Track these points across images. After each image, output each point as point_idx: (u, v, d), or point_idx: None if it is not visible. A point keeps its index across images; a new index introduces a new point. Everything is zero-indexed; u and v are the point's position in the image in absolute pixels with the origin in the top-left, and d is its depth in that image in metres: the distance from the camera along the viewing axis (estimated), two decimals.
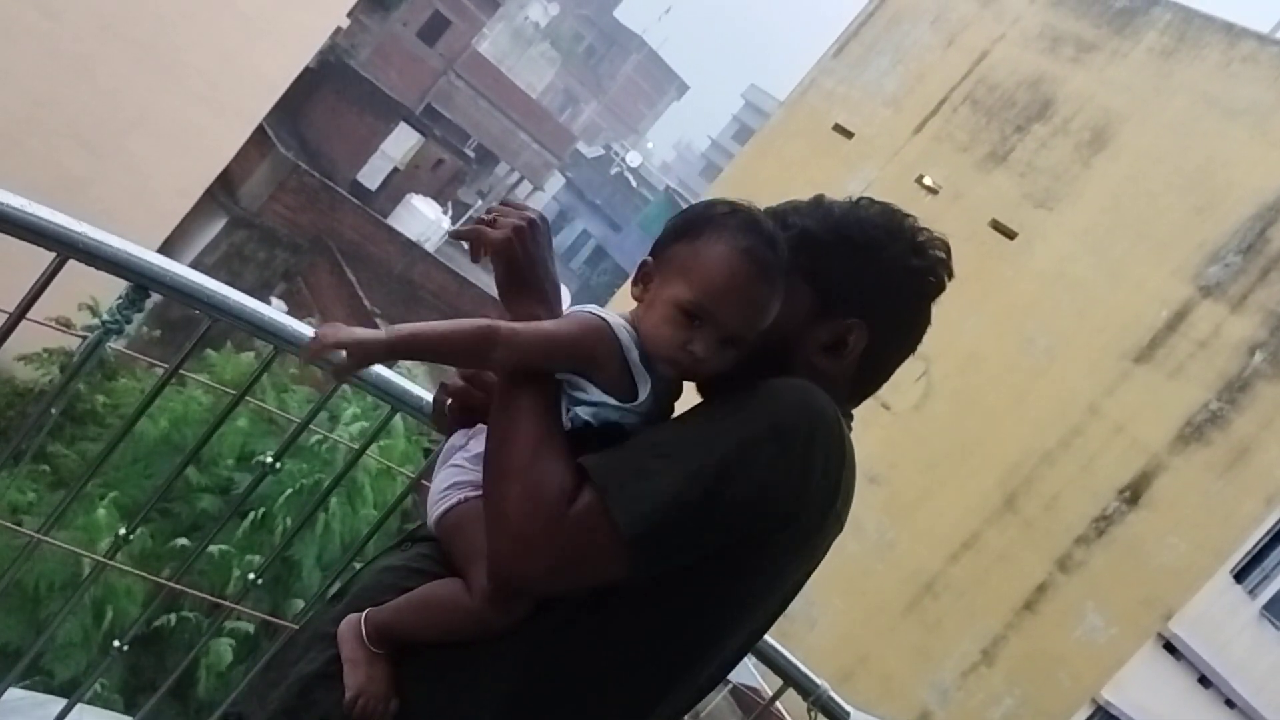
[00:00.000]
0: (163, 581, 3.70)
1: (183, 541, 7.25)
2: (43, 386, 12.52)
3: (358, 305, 17.38)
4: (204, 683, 7.53)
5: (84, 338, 1.56)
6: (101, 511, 7.12)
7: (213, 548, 7.08)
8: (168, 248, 17.19)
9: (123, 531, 1.89)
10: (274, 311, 1.70)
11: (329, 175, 21.29)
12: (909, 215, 1.49)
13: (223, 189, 17.78)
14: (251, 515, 7.04)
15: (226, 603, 3.76)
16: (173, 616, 7.02)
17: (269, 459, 1.94)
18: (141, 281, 1.55)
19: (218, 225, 18.46)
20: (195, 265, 15.10)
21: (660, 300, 1.27)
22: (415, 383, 1.69)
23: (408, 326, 1.27)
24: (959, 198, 16.75)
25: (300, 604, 6.53)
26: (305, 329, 1.74)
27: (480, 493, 1.28)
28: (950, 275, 1.49)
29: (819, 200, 1.50)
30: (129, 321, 1.56)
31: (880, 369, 1.49)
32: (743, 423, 1.26)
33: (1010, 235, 15.70)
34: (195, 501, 7.90)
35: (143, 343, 14.76)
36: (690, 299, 1.25)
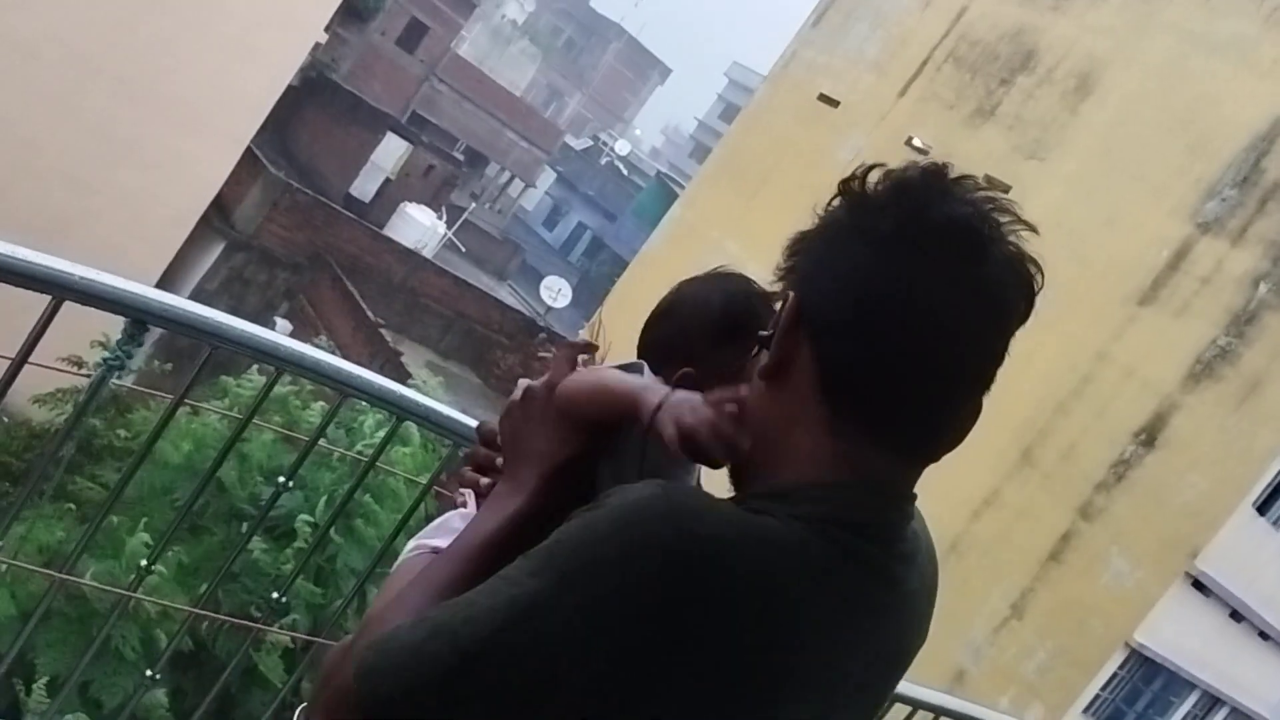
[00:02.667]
0: (189, 610, 3.76)
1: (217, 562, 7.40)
2: (58, 426, 12.61)
3: (362, 318, 17.45)
4: (253, 697, 7.63)
5: (89, 376, 1.60)
6: (136, 541, 7.21)
7: (261, 561, 7.18)
8: (168, 278, 17.28)
9: (144, 563, 1.93)
10: (272, 334, 1.74)
11: (321, 191, 21.34)
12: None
13: (217, 214, 17.85)
14: (299, 525, 7.12)
15: (256, 624, 3.81)
16: (217, 637, 7.12)
17: (282, 479, 1.98)
18: (138, 316, 1.59)
19: (216, 251, 18.54)
20: (196, 292, 15.23)
21: None
22: (430, 395, 1.72)
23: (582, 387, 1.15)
24: (950, 156, 16.46)
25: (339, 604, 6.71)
26: (302, 348, 1.77)
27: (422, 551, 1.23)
28: (948, 198, 1.01)
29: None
30: (130, 357, 1.60)
31: (851, 345, 0.99)
32: (540, 565, 0.93)
33: (1004, 189, 15.58)
34: (230, 522, 8.00)
35: (155, 376, 14.85)
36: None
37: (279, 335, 1.76)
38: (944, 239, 0.99)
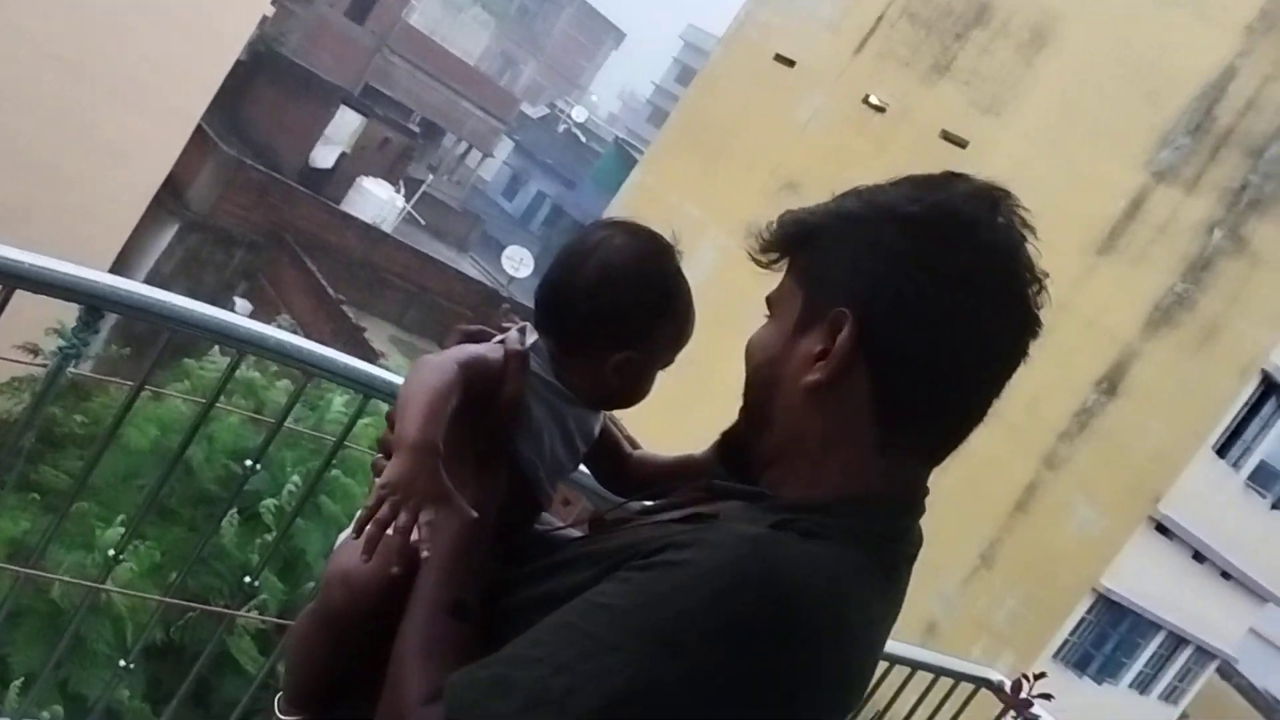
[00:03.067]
0: (161, 600, 3.72)
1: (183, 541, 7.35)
2: (16, 416, 12.44)
3: (323, 296, 17.27)
4: (228, 682, 7.61)
5: (45, 366, 1.57)
6: (111, 534, 7.13)
7: (229, 545, 7.13)
8: (123, 261, 17.00)
9: (112, 553, 1.90)
10: (231, 315, 1.71)
11: (276, 168, 21.04)
12: (954, 173, 1.10)
13: (171, 195, 17.54)
14: (263, 510, 7.05)
15: (229, 611, 3.79)
16: (188, 626, 7.06)
17: (249, 463, 1.95)
18: (92, 303, 1.56)
19: (170, 232, 18.24)
20: (153, 274, 14.94)
21: (649, 376, 1.28)
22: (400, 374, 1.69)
23: (405, 421, 1.11)
24: (907, 113, 16.75)
25: (312, 586, 6.66)
26: (263, 329, 1.75)
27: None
28: (996, 222, 1.05)
29: (845, 192, 1.14)
30: (86, 344, 1.56)
31: (916, 383, 1.03)
32: (637, 628, 0.92)
33: (962, 144, 15.74)
34: (197, 505, 7.93)
35: (114, 361, 14.64)
36: (670, 361, 1.29)
37: (238, 317, 1.73)
38: (1007, 275, 1.04)
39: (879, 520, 1.03)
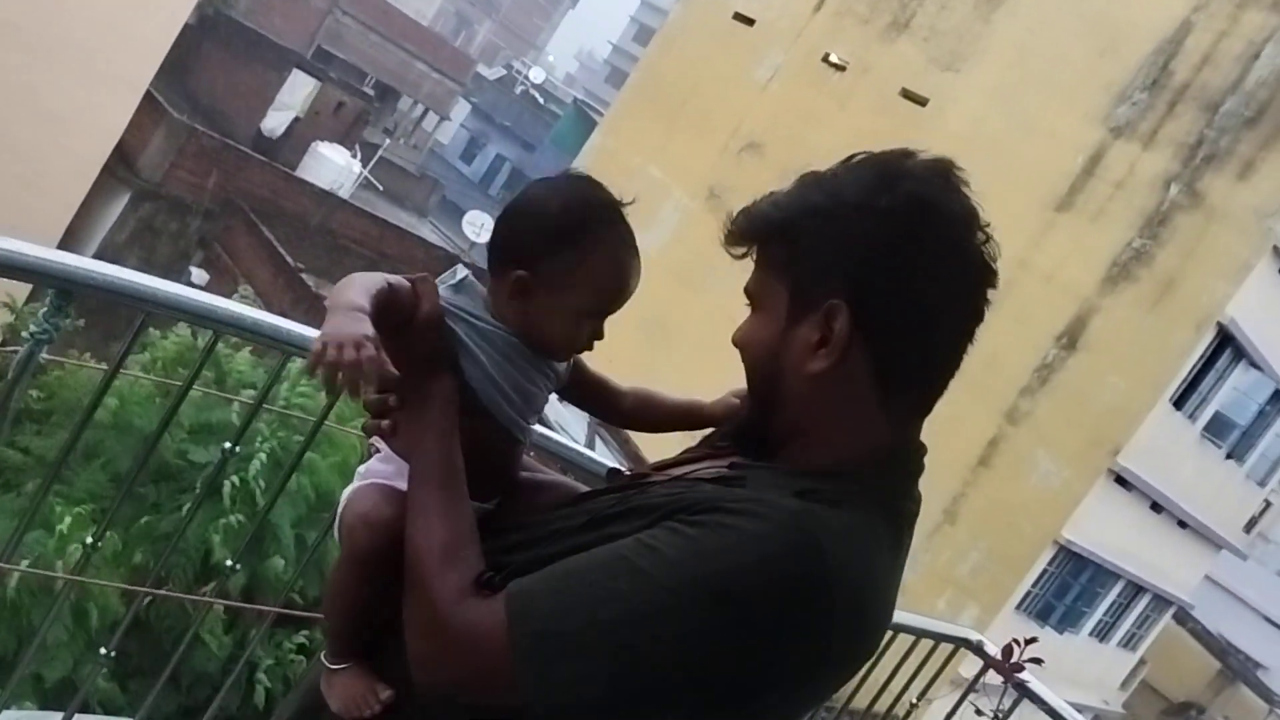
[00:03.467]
0: (137, 589, 3.67)
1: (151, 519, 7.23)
2: None
3: (281, 264, 17.01)
4: (198, 654, 7.56)
5: (14, 352, 1.52)
6: (70, 515, 6.99)
7: (192, 525, 7.03)
8: (73, 232, 16.63)
9: (90, 540, 1.86)
10: (208, 297, 1.66)
11: (228, 134, 20.62)
12: (903, 152, 1.18)
13: (121, 163, 17.16)
14: (228, 486, 6.95)
15: (203, 598, 3.75)
16: (154, 608, 6.99)
17: (228, 445, 1.91)
18: (64, 286, 1.51)
19: (122, 201, 17.85)
20: (105, 245, 14.60)
21: (559, 311, 1.28)
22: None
23: (334, 301, 1.18)
24: (867, 71, 16.72)
25: (280, 563, 6.60)
26: (242, 309, 1.70)
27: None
28: (953, 195, 1.15)
29: (802, 179, 1.22)
30: (59, 329, 1.52)
31: (909, 352, 1.15)
32: (690, 576, 1.04)
33: (921, 102, 15.75)
34: (159, 482, 7.80)
35: (68, 333, 14.37)
36: (593, 308, 1.29)
37: (214, 298, 1.68)
38: (968, 240, 1.15)
39: (889, 476, 1.16)
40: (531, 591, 1.07)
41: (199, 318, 1.64)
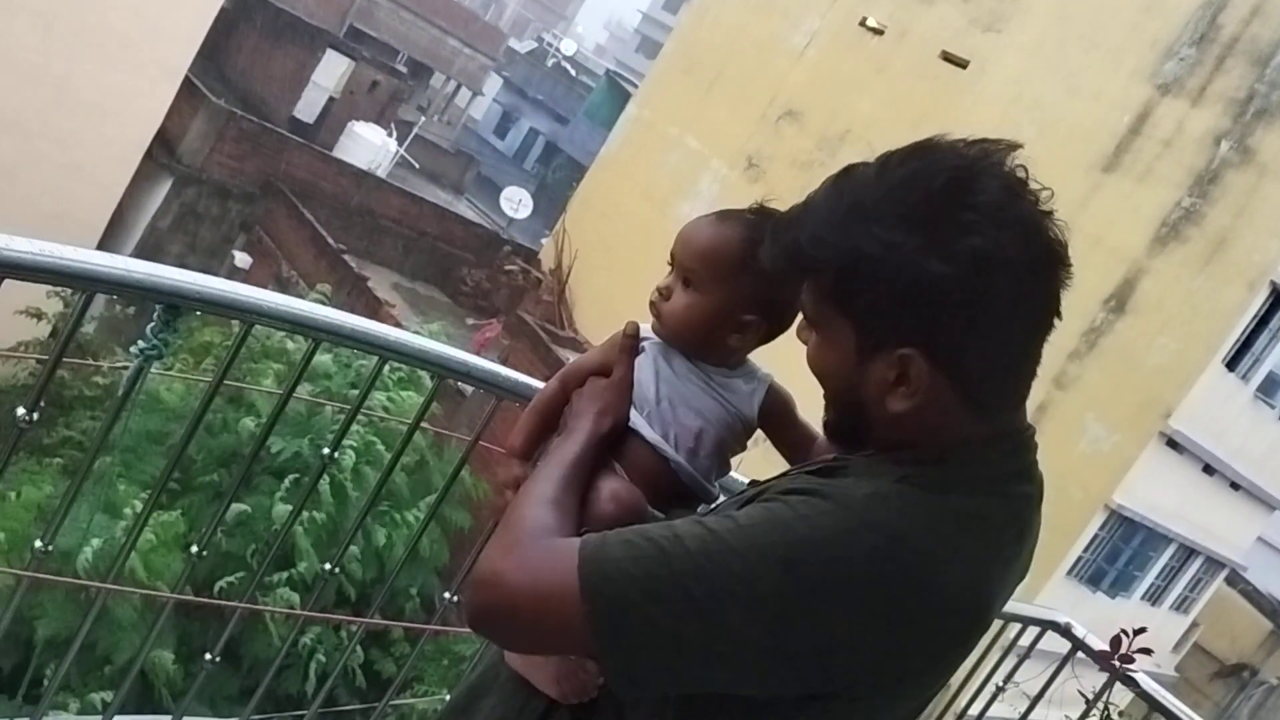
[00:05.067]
0: (239, 605, 3.72)
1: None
2: (24, 382, 12.43)
3: (323, 246, 17.13)
4: (258, 639, 7.71)
5: (124, 368, 1.53)
6: (132, 496, 7.15)
7: (278, 516, 7.14)
8: (118, 219, 16.84)
9: (194, 549, 1.88)
10: (309, 305, 1.67)
11: (265, 116, 20.73)
12: (943, 166, 1.11)
13: (162, 149, 17.32)
14: (326, 483, 7.08)
15: (304, 612, 3.79)
16: (221, 585, 7.13)
17: (326, 451, 1.93)
18: (172, 301, 1.52)
19: (165, 187, 18.03)
20: (149, 231, 14.70)
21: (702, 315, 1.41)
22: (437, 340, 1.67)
23: (515, 434, 1.42)
24: (905, 35, 16.47)
25: (356, 562, 6.77)
26: (341, 317, 1.71)
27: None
28: (1016, 220, 1.09)
29: (834, 187, 1.15)
30: (167, 344, 1.53)
31: (991, 368, 1.12)
32: (760, 542, 1.06)
33: (962, 65, 15.49)
34: (219, 469, 7.95)
35: (119, 321, 14.58)
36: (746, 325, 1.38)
37: (315, 306, 1.69)
38: (1029, 236, 1.09)
39: (994, 463, 1.15)
40: (606, 538, 1.09)
41: (300, 326, 1.65)
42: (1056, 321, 1.15)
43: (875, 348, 1.12)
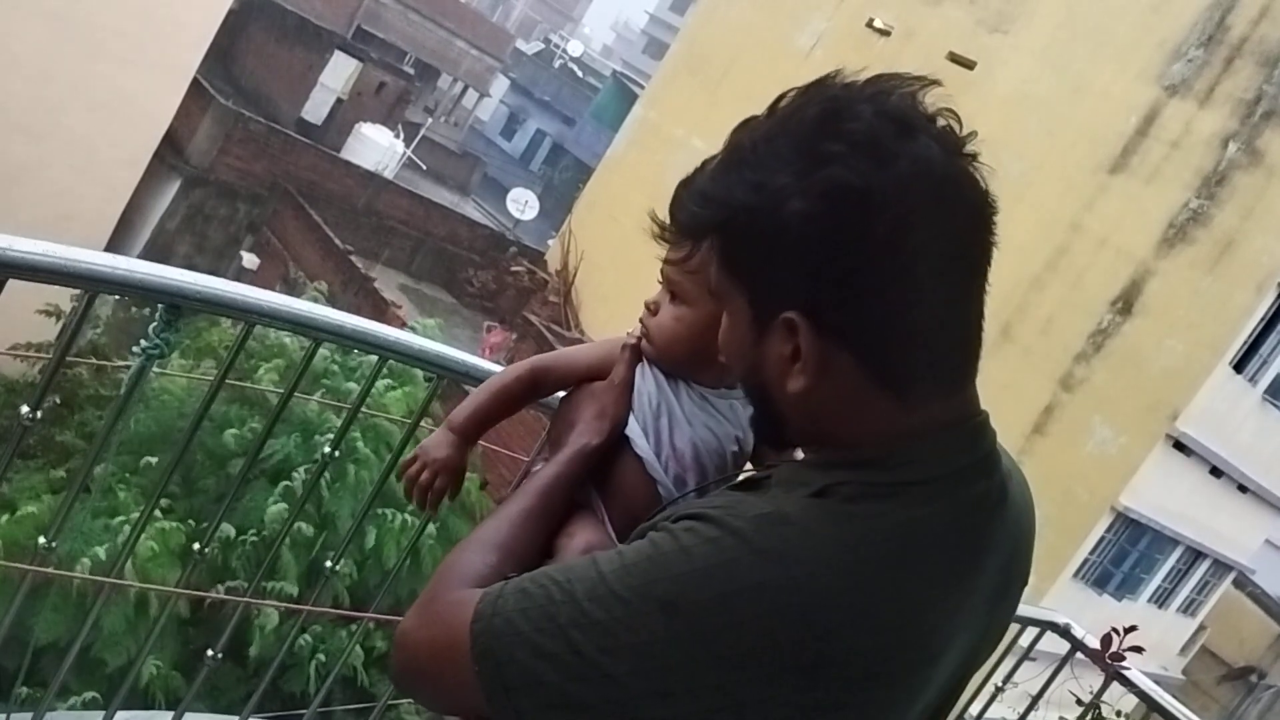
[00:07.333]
0: (240, 599, 3.74)
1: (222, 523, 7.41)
2: (33, 379, 12.48)
3: (330, 247, 17.17)
4: (257, 642, 7.72)
5: (128, 367, 1.55)
6: (130, 501, 7.17)
7: (268, 519, 7.17)
8: (126, 220, 16.89)
9: (196, 546, 1.90)
10: (309, 305, 1.69)
11: (273, 118, 20.79)
12: (829, 100, 0.97)
13: (170, 150, 17.38)
14: (299, 478, 7.09)
15: (301, 606, 3.81)
16: (220, 589, 7.14)
17: (327, 449, 1.94)
18: (174, 301, 1.53)
19: (172, 188, 18.10)
20: (158, 232, 14.77)
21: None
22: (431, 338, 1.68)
23: (461, 407, 1.34)
24: (912, 36, 16.47)
25: (342, 560, 6.79)
26: (342, 317, 1.73)
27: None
28: (901, 152, 0.93)
29: (731, 148, 1.02)
30: (169, 344, 1.54)
31: (898, 338, 0.96)
32: (639, 582, 0.94)
33: (969, 66, 15.46)
34: (218, 472, 7.95)
35: (127, 322, 14.61)
36: None
37: (316, 306, 1.71)
38: (940, 183, 0.94)
39: (933, 460, 0.98)
40: (505, 589, 0.99)
41: (300, 326, 1.67)
42: (986, 286, 0.99)
43: (767, 319, 0.98)
